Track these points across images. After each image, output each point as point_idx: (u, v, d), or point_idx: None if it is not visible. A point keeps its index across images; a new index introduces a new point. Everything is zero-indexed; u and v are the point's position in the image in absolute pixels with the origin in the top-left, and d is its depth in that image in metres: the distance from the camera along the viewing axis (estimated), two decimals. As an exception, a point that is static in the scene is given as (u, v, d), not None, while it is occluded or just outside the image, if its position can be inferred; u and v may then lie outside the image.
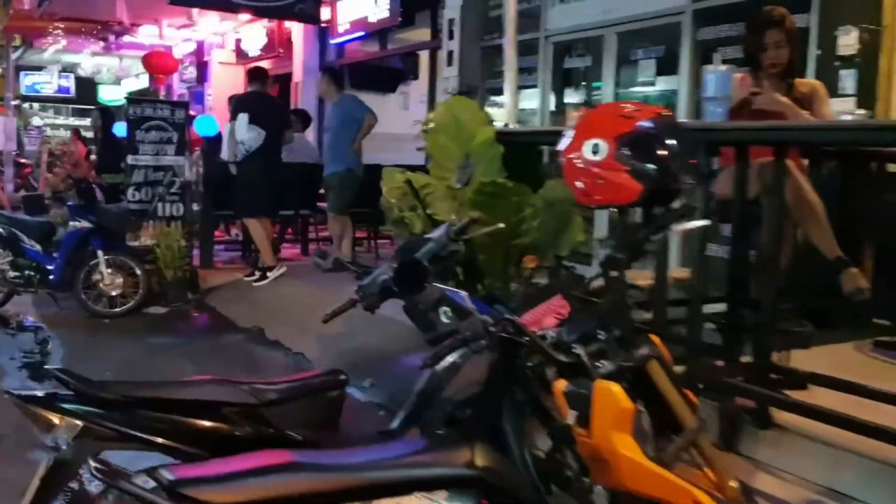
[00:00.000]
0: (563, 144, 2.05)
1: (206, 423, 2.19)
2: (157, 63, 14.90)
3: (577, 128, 2.04)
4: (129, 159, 7.03)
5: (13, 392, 2.06)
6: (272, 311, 6.36)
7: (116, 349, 5.77)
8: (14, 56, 17.57)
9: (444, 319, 2.54)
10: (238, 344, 5.81)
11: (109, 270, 6.71)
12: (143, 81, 20.48)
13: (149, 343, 5.96)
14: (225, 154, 7.15)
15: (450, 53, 8.40)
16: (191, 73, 16.74)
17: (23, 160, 18.21)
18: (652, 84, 6.82)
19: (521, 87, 8.02)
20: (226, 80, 14.93)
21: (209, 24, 13.81)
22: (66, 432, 2.07)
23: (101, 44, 17.00)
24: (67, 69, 21.05)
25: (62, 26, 14.91)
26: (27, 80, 21.09)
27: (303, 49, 11.81)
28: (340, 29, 10.65)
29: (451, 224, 2.73)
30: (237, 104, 7.04)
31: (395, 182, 3.79)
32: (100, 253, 6.67)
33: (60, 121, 26.23)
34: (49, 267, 6.77)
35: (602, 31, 7.18)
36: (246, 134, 6.85)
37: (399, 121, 10.72)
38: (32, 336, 6.20)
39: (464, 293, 2.54)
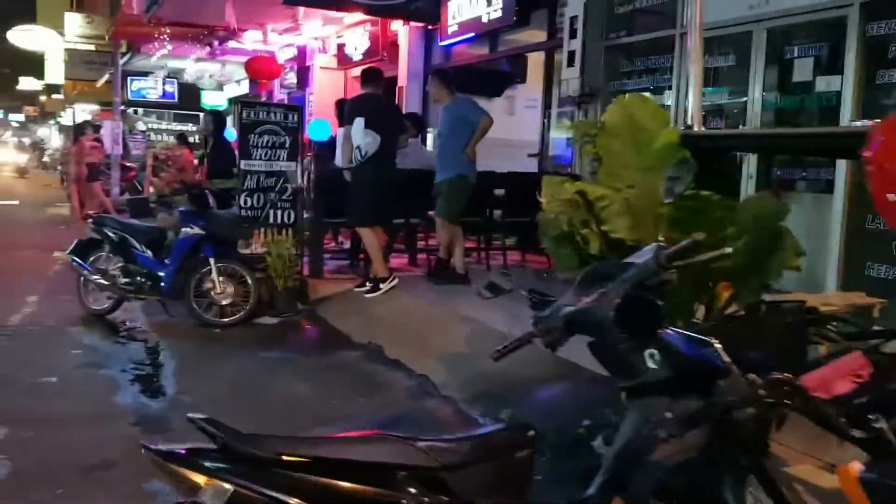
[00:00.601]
0: (870, 148, 1.52)
1: (380, 491, 1.79)
2: (260, 68, 14.90)
3: (887, 131, 1.51)
4: (242, 164, 6.78)
5: (151, 448, 1.72)
6: (388, 326, 5.98)
7: (229, 363, 5.49)
8: (121, 62, 17.98)
9: (651, 365, 1.99)
10: (355, 362, 5.43)
11: (221, 279, 6.47)
12: (244, 87, 20.73)
13: (262, 357, 5.65)
14: (338, 159, 6.82)
15: (571, 54, 7.90)
16: (291, 78, 16.73)
17: (128, 164, 18.61)
18: (809, 86, 6.13)
19: (649, 89, 7.45)
20: (327, 85, 14.82)
21: (312, 29, 13.70)
22: (214, 498, 1.69)
23: (206, 49, 17.19)
24: (171, 75, 21.47)
25: (168, 31, 15.08)
26: (133, 86, 21.60)
27: (408, 52, 11.50)
28: (450, 30, 10.28)
29: (662, 247, 2.19)
30: (352, 107, 6.71)
31: (561, 192, 3.29)
32: (211, 260, 6.45)
33: (163, 126, 26.93)
34: (160, 274, 6.59)
35: (749, 26, 6.53)
36: (362, 139, 6.50)
37: (505, 126, 10.26)
38: (143, 345, 6.00)
39: (674, 330, 2.00)
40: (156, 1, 12.48)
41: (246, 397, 4.70)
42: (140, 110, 25.98)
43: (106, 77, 22.09)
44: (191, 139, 17.58)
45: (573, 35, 7.86)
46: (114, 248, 6.79)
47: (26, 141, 54.35)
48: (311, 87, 15.94)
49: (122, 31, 15.95)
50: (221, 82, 22.04)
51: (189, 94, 23.50)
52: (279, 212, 6.93)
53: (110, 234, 6.80)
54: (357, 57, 13.31)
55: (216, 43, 16.34)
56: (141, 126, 24.88)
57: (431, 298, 6.50)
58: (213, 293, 6.47)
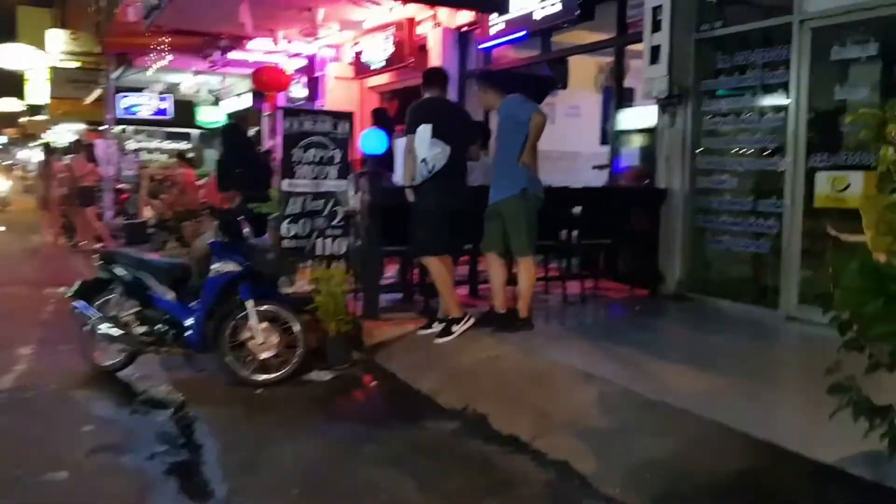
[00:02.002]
0: None
1: None
2: (268, 79, 13.75)
3: None
4: (284, 185, 5.55)
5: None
6: (481, 384, 4.75)
7: (286, 441, 4.24)
8: (113, 76, 16.72)
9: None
10: (455, 439, 4.18)
11: (263, 326, 5.24)
12: (244, 101, 19.53)
13: (327, 432, 4.41)
14: (398, 176, 5.62)
15: (654, 50, 6.75)
16: (298, 91, 15.52)
17: (120, 186, 17.33)
18: None
19: (755, 88, 6.33)
20: (342, 97, 13.65)
21: (327, 35, 12.53)
22: None
23: (206, 61, 15.98)
24: (165, 90, 20.21)
25: (168, 40, 13.86)
26: (123, 103, 20.31)
27: (441, 57, 10.33)
28: (493, 30, 9.12)
29: None
30: (416, 114, 5.50)
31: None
32: (250, 304, 5.22)
33: (154, 144, 25.63)
34: (185, 321, 5.35)
35: (893, 9, 5.41)
36: (429, 150, 5.32)
37: (545, 137, 9.13)
38: (170, 417, 4.74)
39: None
40: (157, 6, 11.26)
41: (327, 501, 3.47)
42: (129, 128, 24.70)
43: (94, 94, 20.84)
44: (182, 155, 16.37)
45: (656, 28, 6.71)
46: (126, 289, 5.56)
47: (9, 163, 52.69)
48: (321, 99, 14.77)
49: (116, 41, 14.70)
50: (219, 97, 20.82)
51: (182, 111, 22.26)
52: (328, 241, 5.72)
53: (121, 272, 5.57)
54: (377, 64, 12.15)
55: (218, 54, 15.15)
56: (132, 145, 23.56)
57: (521, 342, 5.29)
58: (251, 344, 5.25)
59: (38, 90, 26.03)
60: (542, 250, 6.32)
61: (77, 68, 20.87)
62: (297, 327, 5.33)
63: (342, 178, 5.70)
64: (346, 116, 5.74)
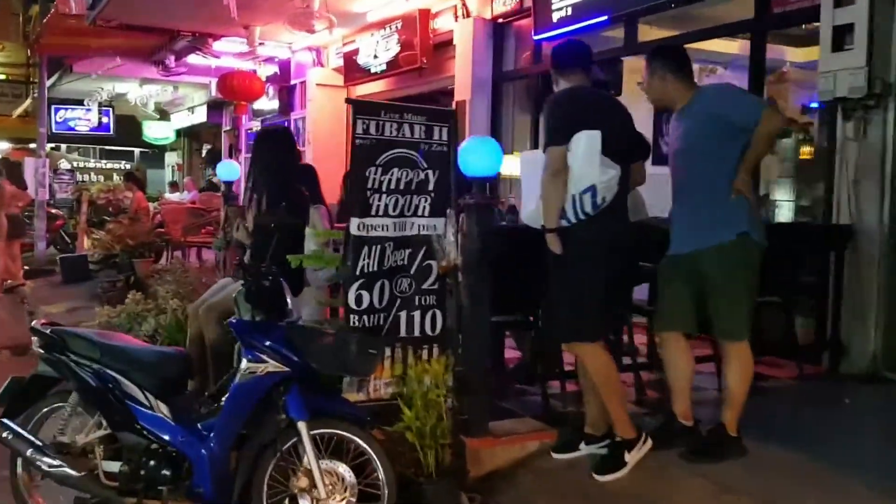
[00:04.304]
0: None
1: None
2: (238, 86, 11.55)
3: None
4: (354, 227, 3.40)
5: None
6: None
7: None
8: (48, 83, 14.22)
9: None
10: None
11: (326, 466, 3.12)
12: (198, 115, 17.18)
13: None
14: (528, 212, 3.56)
15: (840, 30, 4.86)
16: (267, 102, 13.31)
17: (53, 210, 14.77)
18: None
19: None
20: (326, 108, 11.55)
21: (314, 34, 10.41)
22: None
23: (155, 68, 13.67)
24: (107, 102, 17.69)
25: (118, 42, 11.53)
26: (59, 116, 17.72)
27: (471, 54, 8.33)
28: (556, 16, 7.16)
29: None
30: (570, 112, 3.40)
31: None
32: (303, 427, 3.08)
33: (91, 164, 22.91)
34: (193, 456, 3.20)
35: None
36: (600, 174, 3.29)
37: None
38: None
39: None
40: (103, -6, 9.01)
41: None
42: (63, 146, 22.00)
43: (22, 107, 18.25)
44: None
45: (839, 3, 4.84)
46: (87, 397, 3.38)
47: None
48: (298, 111, 12.62)
49: (52, 42, 12.28)
50: (167, 110, 18.38)
51: (124, 127, 19.76)
52: (416, 314, 3.59)
53: (79, 368, 3.38)
54: (378, 67, 10.08)
55: (171, 58, 12.88)
56: (64, 164, 20.85)
57: (738, 481, 3.29)
58: (306, 494, 3.11)
59: (-43, 105, 23.28)
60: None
61: (2, 81, 18.41)
62: (376, 459, 3.21)
63: (438, 215, 3.60)
64: (446, 117, 3.64)
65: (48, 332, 3.51)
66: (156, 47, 12.49)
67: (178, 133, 19.80)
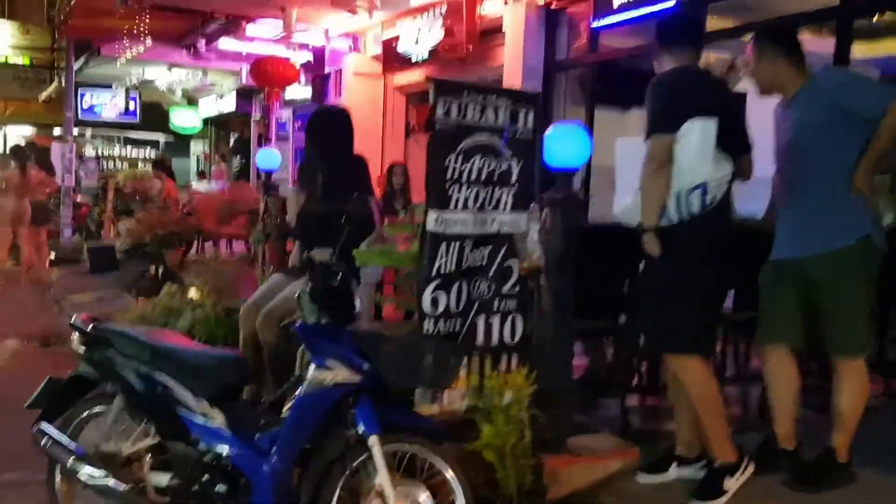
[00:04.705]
0: None
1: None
2: (271, 72, 11.23)
3: None
4: (431, 221, 3.06)
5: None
6: None
7: None
8: (75, 67, 13.96)
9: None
10: None
11: (402, 489, 2.79)
12: (227, 103, 16.90)
13: None
14: (621, 207, 3.20)
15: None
16: (300, 90, 12.98)
17: (78, 198, 14.55)
18: None
19: None
20: (364, 98, 11.17)
21: (357, 19, 10.08)
22: None
23: (185, 52, 13.39)
24: (134, 87, 17.40)
25: (148, 20, 11.23)
26: (85, 101, 17.46)
27: (521, 42, 7.95)
28: (618, 1, 6.76)
29: None
30: (679, 98, 3.01)
31: None
32: (374, 443, 2.75)
33: (116, 151, 22.70)
34: (252, 472, 2.88)
35: None
36: (713, 169, 2.92)
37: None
38: None
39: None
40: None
41: None
42: (88, 132, 21.79)
43: (47, 92, 18.04)
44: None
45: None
46: (132, 401, 3.07)
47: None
48: (333, 99, 12.28)
49: (80, 23, 12.01)
50: (195, 97, 18.10)
51: (149, 114, 19.50)
52: (495, 319, 3.24)
53: (125, 372, 3.07)
54: (420, 55, 9.72)
55: (202, 42, 12.58)
56: (89, 151, 20.68)
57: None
58: (378, 516, 2.79)
59: (-16, 90, 23.20)
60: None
61: (27, 65, 18.20)
62: (458, 489, 2.86)
63: (521, 210, 3.25)
64: (532, 100, 3.28)
65: (90, 328, 3.20)
66: (187, 30, 12.20)
67: (205, 122, 19.54)
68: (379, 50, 10.79)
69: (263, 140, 14.92)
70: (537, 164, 3.27)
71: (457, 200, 3.11)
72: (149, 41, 11.33)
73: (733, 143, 3.09)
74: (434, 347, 2.84)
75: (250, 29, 11.30)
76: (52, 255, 11.97)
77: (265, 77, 11.27)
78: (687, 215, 3.00)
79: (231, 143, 18.88)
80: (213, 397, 3.02)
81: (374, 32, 10.86)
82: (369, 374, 2.84)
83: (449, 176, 3.09)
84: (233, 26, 11.31)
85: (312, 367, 2.83)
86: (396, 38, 10.13)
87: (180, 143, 23.30)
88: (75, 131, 16.63)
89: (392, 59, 10.38)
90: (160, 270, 9.72)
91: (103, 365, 3.11)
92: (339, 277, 2.93)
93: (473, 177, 3.14)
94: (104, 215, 13.70)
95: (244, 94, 15.77)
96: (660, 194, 3.00)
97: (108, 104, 17.63)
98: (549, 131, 3.31)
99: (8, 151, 13.21)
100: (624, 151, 3.40)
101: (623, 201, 3.21)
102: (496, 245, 3.23)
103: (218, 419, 2.98)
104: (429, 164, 3.07)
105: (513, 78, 8.01)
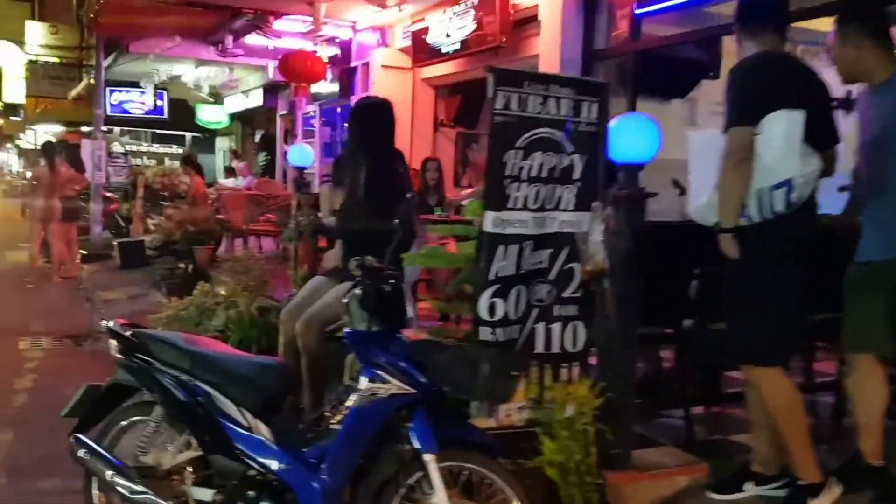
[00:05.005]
0: None
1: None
2: (299, 67, 11.07)
3: None
4: (489, 221, 2.85)
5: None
6: None
7: None
8: (105, 64, 13.90)
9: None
10: None
11: (459, 507, 2.60)
12: (253, 99, 16.80)
13: None
14: (698, 205, 2.96)
15: None
16: (327, 85, 12.81)
17: (108, 194, 14.51)
18: None
19: None
20: (393, 91, 10.91)
21: (386, 12, 9.90)
22: None
23: (212, 49, 13.27)
24: (161, 85, 17.35)
25: (177, 20, 11.15)
26: (113, 98, 17.45)
27: (559, 31, 7.70)
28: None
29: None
30: (762, 86, 2.73)
31: None
32: (430, 460, 2.56)
33: (143, 148, 22.77)
34: (301, 490, 2.71)
35: None
36: (801, 165, 2.70)
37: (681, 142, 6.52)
38: None
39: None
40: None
41: None
42: (116, 129, 21.85)
43: (76, 90, 18.07)
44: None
45: None
46: (172, 410, 2.92)
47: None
48: (360, 94, 12.10)
49: (110, 20, 11.93)
50: (221, 93, 18.03)
51: (175, 111, 19.47)
52: (557, 326, 3.03)
53: (165, 380, 2.91)
54: (450, 47, 9.50)
55: (230, 39, 12.46)
56: (117, 147, 20.69)
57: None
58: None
59: (15, 88, 23.39)
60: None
61: (56, 64, 18.27)
62: (512, 497, 2.67)
63: (583, 209, 3.04)
64: (597, 90, 3.05)
65: (128, 334, 3.05)
66: (214, 26, 12.08)
67: (232, 117, 19.48)
68: (407, 43, 10.59)
69: (290, 136, 14.79)
70: (602, 159, 3.05)
71: (516, 199, 2.91)
72: (177, 38, 11.20)
73: (820, 135, 2.86)
74: (492, 357, 2.64)
75: (277, 24, 11.14)
76: (83, 252, 11.94)
77: (293, 72, 11.11)
78: (770, 214, 2.77)
79: (256, 140, 18.79)
80: (257, 408, 2.85)
81: (403, 25, 10.66)
82: (426, 386, 2.65)
83: (508, 173, 2.88)
84: (260, 21, 11.16)
85: (364, 377, 2.65)
86: (426, 30, 9.92)
87: (206, 139, 23.33)
88: (104, 129, 16.65)
89: (421, 51, 10.17)
90: (190, 267, 9.63)
91: (142, 373, 2.97)
92: (391, 282, 2.74)
93: (534, 173, 2.94)
94: (133, 211, 13.64)
95: (270, 90, 15.66)
96: (740, 192, 2.78)
97: (137, 102, 17.60)
98: (614, 123, 3.09)
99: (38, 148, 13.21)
100: (698, 145, 3.18)
101: (698, 199, 2.99)
102: (557, 246, 3.03)
103: (263, 431, 2.82)
104: (487, 161, 2.87)
105: (549, 69, 7.75)
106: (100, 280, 10.16)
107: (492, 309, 2.88)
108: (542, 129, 2.94)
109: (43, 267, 10.36)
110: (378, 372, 2.63)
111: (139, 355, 2.97)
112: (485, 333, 2.88)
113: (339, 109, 13.63)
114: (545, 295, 3.00)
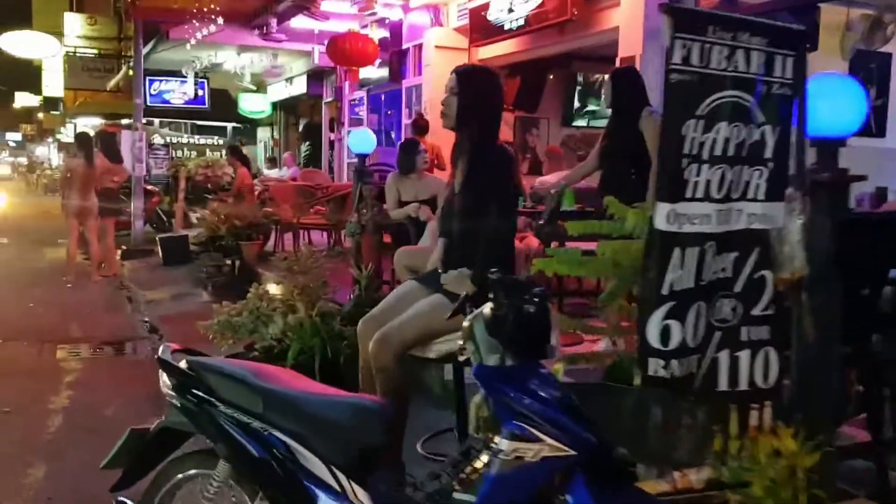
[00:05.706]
0: None
1: None
2: (350, 50, 10.38)
3: None
4: (661, 218, 2.11)
5: None
6: None
7: None
8: (144, 51, 13.37)
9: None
10: None
11: None
12: (297, 87, 16.18)
13: None
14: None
15: None
16: (375, 70, 12.10)
17: (148, 187, 14.02)
18: None
19: None
20: (447, 72, 10.17)
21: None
22: None
23: (255, 34, 12.64)
24: (200, 74, 16.79)
25: (218, 3, 10.53)
26: (153, 88, 16.96)
27: (643, 2, 6.89)
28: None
29: None
30: None
31: None
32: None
33: (184, 139, 22.32)
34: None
35: None
36: None
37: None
38: None
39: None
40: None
41: None
42: (156, 120, 21.45)
43: (114, 81, 17.65)
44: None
45: None
46: (244, 468, 2.24)
47: (23, 161, 49.42)
48: (411, 78, 11.40)
49: (149, 4, 11.37)
50: (264, 80, 17.44)
51: (215, 101, 18.94)
52: (745, 355, 2.28)
53: (232, 427, 2.23)
54: (514, 23, 8.74)
55: (273, 22, 11.82)
56: (158, 139, 20.27)
57: None
58: None
59: (55, 82, 23.23)
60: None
61: (95, 56, 17.90)
62: None
63: (776, 199, 2.27)
64: (794, 39, 2.28)
65: (183, 366, 2.37)
66: (258, 9, 11.49)
67: (274, 106, 18.90)
68: (464, 21, 9.85)
69: (336, 124, 14.14)
70: (797, 132, 2.27)
71: (696, 185, 2.15)
72: (218, 22, 10.58)
73: None
74: (688, 408, 1.89)
75: (325, 5, 10.47)
76: (123, 248, 11.44)
77: (343, 56, 10.44)
78: None
79: (300, 129, 18.21)
80: (352, 465, 2.16)
81: (459, 2, 9.92)
82: (588, 444, 1.92)
83: (687, 150, 2.13)
84: (307, 2, 10.50)
85: (506, 434, 1.92)
86: (486, 6, 9.18)
87: (247, 129, 22.84)
88: (144, 120, 16.19)
89: (479, 30, 9.43)
90: (237, 264, 9.04)
91: (200, 417, 2.30)
92: (535, 302, 2.01)
93: (718, 151, 2.18)
94: (175, 205, 13.13)
95: (315, 76, 15.02)
96: None
97: (177, 91, 17.08)
98: (809, 85, 2.31)
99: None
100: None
101: None
102: (744, 248, 2.26)
103: (361, 498, 2.11)
104: (661, 135, 2.13)
105: (631, 41, 6.99)
106: (141, 278, 9.62)
107: (665, 334, 2.13)
108: (728, 92, 2.18)
109: (81, 264, 9.83)
110: (526, 427, 1.91)
111: (196, 392, 2.30)
112: (655, 366, 2.12)
113: (382, 96, 12.97)
114: (730, 313, 2.25)
